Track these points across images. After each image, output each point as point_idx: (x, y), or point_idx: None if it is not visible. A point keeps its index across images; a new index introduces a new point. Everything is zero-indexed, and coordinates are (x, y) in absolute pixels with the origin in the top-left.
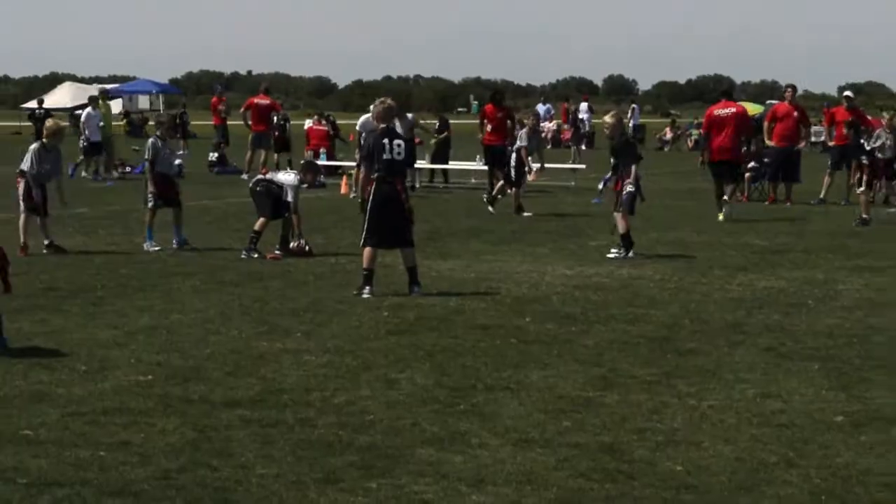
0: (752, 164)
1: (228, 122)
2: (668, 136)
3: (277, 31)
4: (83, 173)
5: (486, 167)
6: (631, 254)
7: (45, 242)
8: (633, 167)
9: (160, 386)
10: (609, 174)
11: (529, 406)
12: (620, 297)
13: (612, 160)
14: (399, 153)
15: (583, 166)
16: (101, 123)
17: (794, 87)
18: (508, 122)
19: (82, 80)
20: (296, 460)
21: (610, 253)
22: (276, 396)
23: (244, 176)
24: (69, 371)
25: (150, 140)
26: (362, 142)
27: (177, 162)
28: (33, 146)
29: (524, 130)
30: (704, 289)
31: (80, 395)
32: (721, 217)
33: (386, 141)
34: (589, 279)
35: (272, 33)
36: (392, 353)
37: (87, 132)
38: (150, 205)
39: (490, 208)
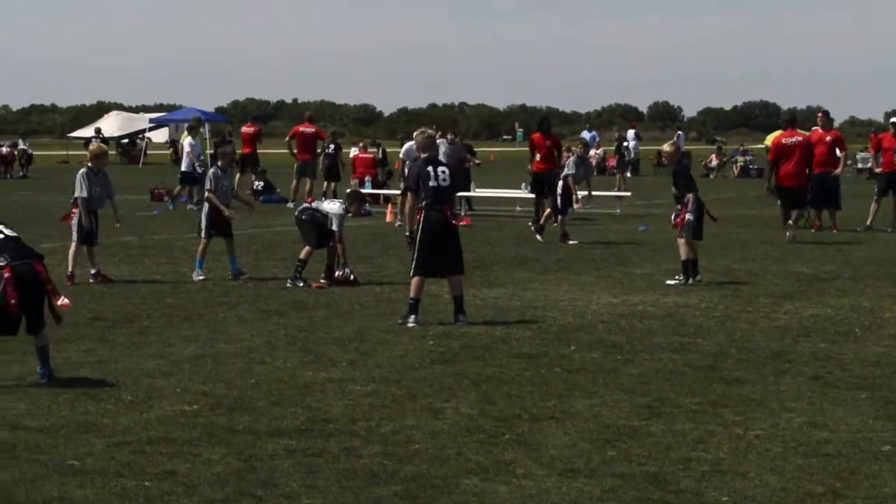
0: None
1: (266, 151)
2: (714, 162)
3: (323, 58)
4: (190, 205)
5: (532, 195)
6: (691, 280)
7: (92, 272)
8: (692, 194)
9: (205, 416)
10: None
11: (575, 435)
12: (666, 326)
13: (673, 190)
14: (444, 179)
15: (628, 193)
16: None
17: (825, 113)
18: (555, 150)
19: (129, 109)
20: (341, 490)
21: (671, 280)
22: (322, 426)
23: (290, 204)
24: (115, 401)
25: (211, 170)
26: (406, 170)
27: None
28: (81, 171)
29: (572, 158)
30: (750, 317)
31: (125, 425)
32: (786, 239)
33: (430, 169)
34: (634, 307)
35: (317, 61)
36: (437, 383)
37: (188, 161)
38: (203, 235)
39: (538, 236)
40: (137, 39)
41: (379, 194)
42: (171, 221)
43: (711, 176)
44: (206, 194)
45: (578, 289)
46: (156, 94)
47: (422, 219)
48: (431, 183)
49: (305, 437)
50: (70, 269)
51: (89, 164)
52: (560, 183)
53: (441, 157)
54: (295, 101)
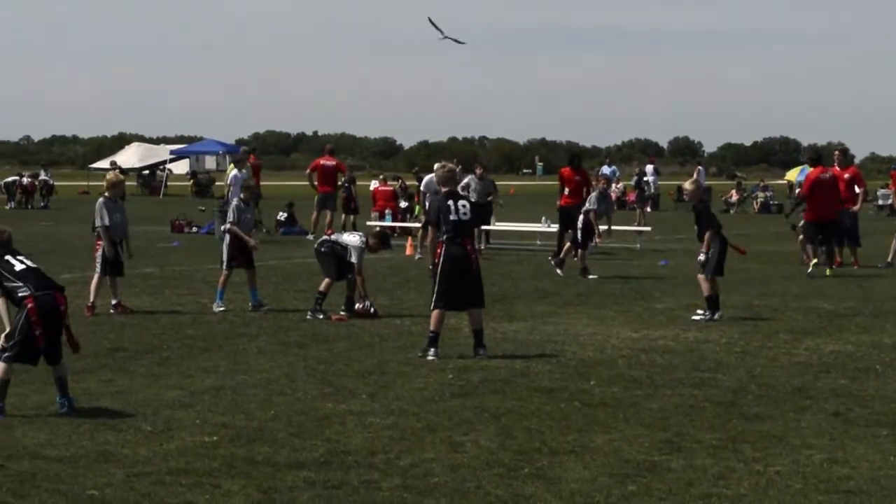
0: None
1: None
2: (734, 198)
3: (343, 91)
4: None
5: (554, 229)
6: (717, 316)
7: (113, 302)
8: (710, 232)
9: (225, 447)
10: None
11: (594, 470)
12: (686, 361)
13: (695, 227)
14: (465, 213)
15: (648, 228)
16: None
17: (843, 151)
18: (585, 186)
19: (150, 141)
20: None
21: (695, 315)
22: (341, 458)
23: (310, 236)
24: (135, 431)
25: (235, 202)
26: (427, 202)
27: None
28: (99, 201)
29: (594, 194)
30: (770, 353)
31: (145, 455)
32: (813, 272)
33: (451, 203)
34: (655, 342)
35: (338, 94)
36: (456, 416)
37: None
38: (224, 266)
39: (558, 270)
40: (159, 70)
41: (397, 227)
42: (192, 252)
43: (731, 211)
44: (229, 226)
45: (598, 323)
46: (177, 126)
47: (442, 252)
48: (452, 217)
49: (325, 470)
50: (91, 299)
51: (107, 194)
52: (581, 217)
53: (471, 193)
54: (315, 133)
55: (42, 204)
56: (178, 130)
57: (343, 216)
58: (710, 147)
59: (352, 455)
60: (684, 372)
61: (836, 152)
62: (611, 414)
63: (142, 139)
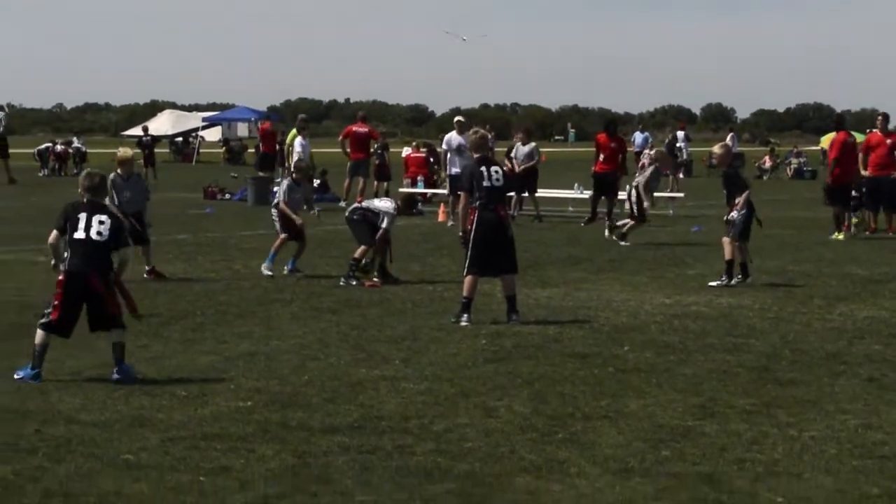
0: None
1: (319, 150)
2: (768, 164)
3: (375, 58)
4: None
5: (588, 195)
6: (733, 281)
7: (146, 269)
8: (744, 195)
9: (259, 412)
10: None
11: (628, 435)
12: (719, 327)
13: (724, 191)
14: (498, 179)
15: (680, 195)
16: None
17: (885, 116)
18: (620, 153)
19: (182, 108)
20: (395, 487)
21: (713, 282)
22: (375, 423)
23: (342, 203)
24: (170, 396)
25: (286, 181)
26: (448, 160)
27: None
28: (109, 178)
29: (650, 170)
30: (804, 318)
31: (180, 420)
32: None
33: (483, 169)
34: (688, 308)
35: (370, 61)
36: (490, 381)
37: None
38: (280, 230)
39: (622, 243)
40: (191, 37)
41: (429, 193)
42: (224, 219)
43: (765, 178)
44: (280, 205)
45: (631, 289)
46: (209, 93)
47: (475, 218)
48: (485, 183)
49: (359, 434)
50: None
51: (118, 170)
52: (634, 193)
53: (521, 156)
54: (347, 100)
55: (75, 171)
56: (211, 98)
57: (375, 183)
58: (743, 113)
59: (385, 420)
60: (717, 337)
61: (879, 118)
62: (644, 379)
63: (174, 106)
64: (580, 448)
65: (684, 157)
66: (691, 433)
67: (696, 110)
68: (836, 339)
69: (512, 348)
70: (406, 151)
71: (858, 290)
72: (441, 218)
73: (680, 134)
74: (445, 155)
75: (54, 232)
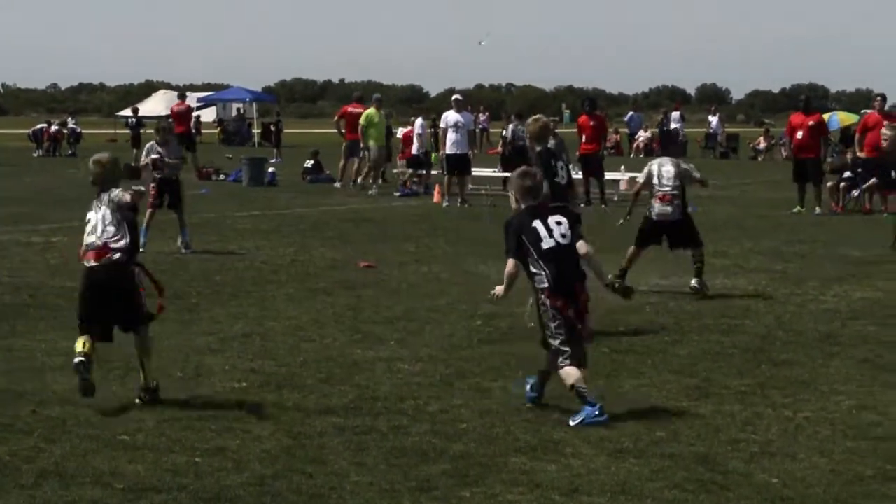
0: (846, 174)
1: (314, 130)
2: (762, 145)
3: (370, 39)
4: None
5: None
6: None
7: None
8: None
9: (255, 393)
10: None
11: (623, 416)
12: (714, 308)
13: (893, 174)
14: (562, 177)
15: None
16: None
17: (883, 97)
18: (601, 131)
19: (176, 88)
20: (389, 468)
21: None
22: (370, 404)
23: (337, 184)
24: (165, 377)
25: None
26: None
27: (269, 170)
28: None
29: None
30: (799, 300)
31: (175, 401)
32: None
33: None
34: (683, 289)
35: (364, 41)
36: (485, 362)
37: (419, 144)
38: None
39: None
40: (186, 18)
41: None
42: (220, 200)
43: (759, 158)
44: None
45: None
46: (203, 73)
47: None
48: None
49: (354, 415)
50: None
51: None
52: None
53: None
54: (342, 81)
55: (69, 152)
56: (205, 78)
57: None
58: (737, 94)
59: (381, 401)
60: (712, 318)
61: (877, 99)
62: (639, 360)
63: (168, 87)
64: (575, 428)
65: (679, 137)
66: (686, 414)
67: (691, 91)
68: (830, 320)
69: (507, 329)
70: (401, 131)
71: (853, 271)
72: (436, 199)
73: (675, 115)
74: (444, 133)
75: None
